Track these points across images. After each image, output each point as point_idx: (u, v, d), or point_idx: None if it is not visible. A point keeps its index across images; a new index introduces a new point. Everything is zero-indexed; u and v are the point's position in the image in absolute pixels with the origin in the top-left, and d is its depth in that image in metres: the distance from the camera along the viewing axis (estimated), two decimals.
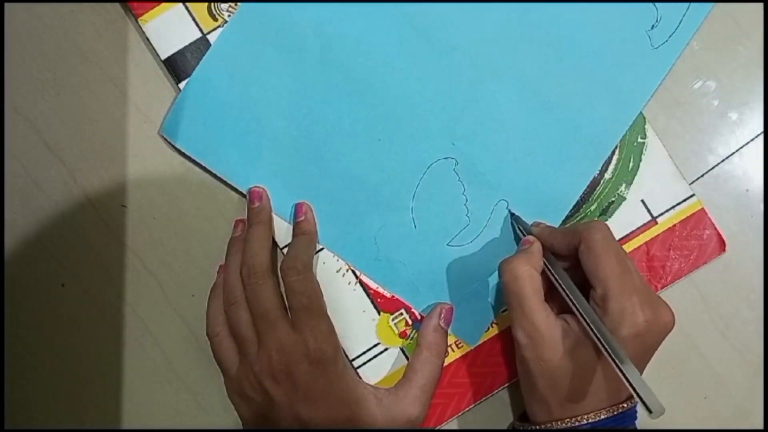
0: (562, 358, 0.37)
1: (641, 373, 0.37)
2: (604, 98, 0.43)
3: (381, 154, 0.43)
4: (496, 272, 0.43)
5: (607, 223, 0.43)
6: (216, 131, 0.43)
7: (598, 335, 0.35)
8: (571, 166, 0.43)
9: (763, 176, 0.44)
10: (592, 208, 0.44)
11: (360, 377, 0.43)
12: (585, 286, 0.38)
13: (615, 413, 0.37)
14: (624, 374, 0.33)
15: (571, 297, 0.37)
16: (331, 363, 0.40)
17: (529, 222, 0.43)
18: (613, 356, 0.34)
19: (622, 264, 0.37)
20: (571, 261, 0.39)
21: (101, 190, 0.44)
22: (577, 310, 0.36)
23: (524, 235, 0.42)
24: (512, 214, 0.43)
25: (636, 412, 0.38)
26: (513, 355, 0.43)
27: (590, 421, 0.37)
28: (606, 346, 0.34)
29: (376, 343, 0.43)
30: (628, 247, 0.43)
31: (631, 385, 0.33)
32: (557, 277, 0.38)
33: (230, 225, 0.44)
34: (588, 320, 0.36)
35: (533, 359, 0.37)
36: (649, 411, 0.32)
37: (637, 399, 0.32)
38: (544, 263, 0.39)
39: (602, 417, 0.37)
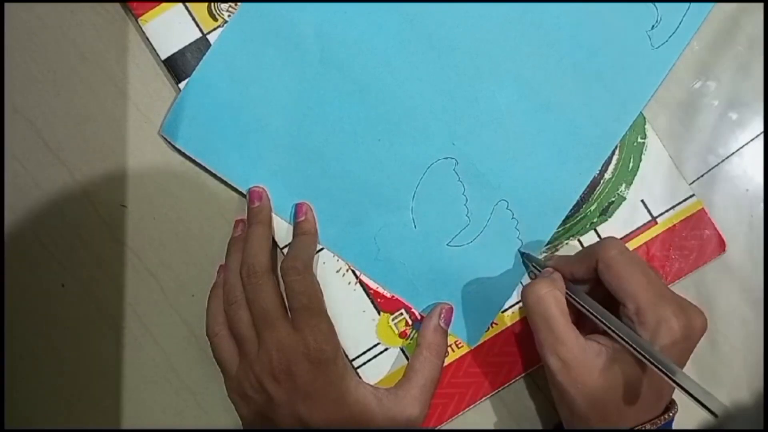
0: (599, 378, 0.36)
1: None
2: (604, 98, 0.43)
3: (381, 154, 0.43)
4: (496, 272, 0.43)
5: (609, 225, 0.43)
6: (216, 131, 0.43)
7: (642, 351, 0.34)
8: (571, 166, 0.43)
9: (763, 176, 0.44)
10: (592, 208, 0.44)
11: (360, 377, 0.43)
12: (608, 305, 0.37)
13: (658, 426, 0.36)
14: (679, 384, 0.32)
15: (602, 319, 0.36)
16: (332, 363, 0.40)
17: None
18: (663, 369, 0.33)
19: (647, 274, 0.37)
20: (590, 283, 0.39)
21: (101, 190, 0.44)
22: (612, 330, 0.36)
23: (539, 271, 0.41)
24: (523, 254, 0.43)
25: (673, 420, 0.38)
26: (513, 355, 0.43)
27: None
28: (653, 360, 0.33)
29: (376, 343, 0.43)
30: (628, 247, 0.43)
31: (689, 393, 0.32)
32: (583, 303, 0.37)
33: (230, 225, 0.44)
34: (627, 338, 0.35)
35: (569, 383, 0.36)
36: (715, 415, 0.31)
37: (698, 405, 0.31)
38: (567, 292, 0.39)
39: (647, 428, 0.36)
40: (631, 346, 0.35)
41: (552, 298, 0.37)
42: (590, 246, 0.40)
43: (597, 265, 0.38)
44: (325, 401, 0.39)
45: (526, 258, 0.43)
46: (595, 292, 0.38)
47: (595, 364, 0.36)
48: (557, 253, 0.44)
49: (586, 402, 0.36)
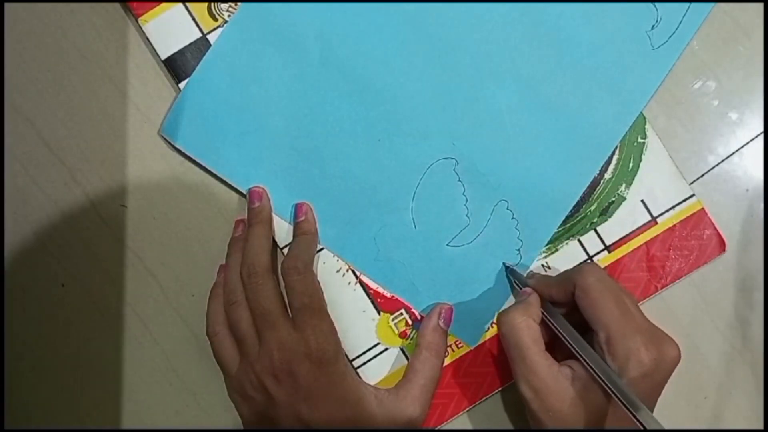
0: (571, 406, 0.36)
1: (652, 409, 0.37)
2: (605, 98, 0.43)
3: (381, 154, 0.43)
4: (496, 272, 0.43)
5: (609, 225, 0.43)
6: (216, 131, 0.43)
7: (608, 383, 0.34)
8: (571, 167, 0.43)
9: (763, 176, 0.44)
10: (592, 208, 0.44)
11: (360, 377, 0.43)
12: (586, 328, 0.37)
13: None
14: (639, 421, 0.32)
15: (574, 346, 0.36)
16: (333, 363, 0.40)
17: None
18: (626, 403, 0.33)
19: (621, 304, 0.37)
20: (569, 306, 0.39)
21: (101, 190, 0.44)
22: (583, 358, 0.36)
23: (521, 288, 0.41)
24: (507, 267, 0.43)
25: None
26: None
27: None
28: (617, 394, 0.33)
29: (376, 343, 0.43)
30: (628, 247, 0.43)
31: (646, 430, 0.32)
32: (558, 327, 0.38)
33: (230, 225, 0.44)
34: (595, 368, 0.35)
35: (542, 410, 0.36)
36: None
37: None
38: (543, 313, 0.39)
39: None
40: (598, 375, 0.35)
41: (525, 326, 0.38)
42: (570, 270, 0.40)
43: (574, 290, 0.38)
44: (326, 401, 0.39)
45: (509, 272, 0.43)
46: (573, 315, 0.38)
47: (567, 391, 0.36)
48: (556, 253, 0.44)
49: (559, 428, 0.36)
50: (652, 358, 0.36)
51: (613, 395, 0.34)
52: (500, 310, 0.39)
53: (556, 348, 0.38)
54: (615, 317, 0.36)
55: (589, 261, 0.39)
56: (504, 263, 0.43)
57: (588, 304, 0.37)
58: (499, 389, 0.44)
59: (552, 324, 0.38)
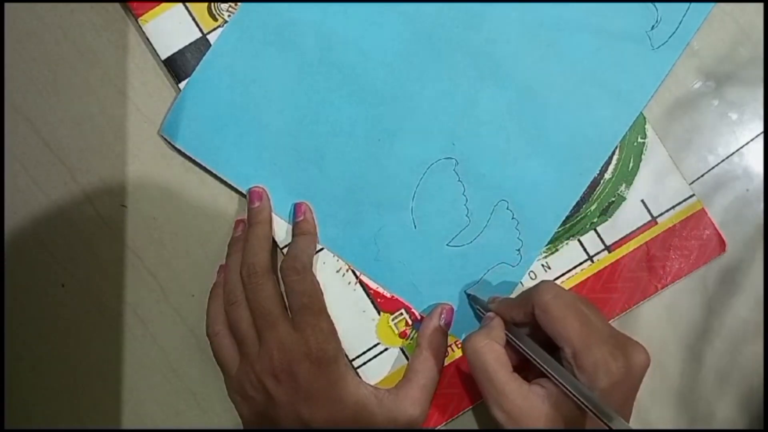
0: (546, 423, 0.36)
1: (628, 415, 0.37)
2: (604, 99, 0.43)
3: (381, 154, 0.43)
4: (496, 272, 0.43)
5: (609, 225, 0.43)
6: (216, 131, 0.43)
7: (579, 397, 0.34)
8: (571, 167, 0.43)
9: (763, 176, 0.44)
10: (592, 208, 0.44)
11: (360, 377, 0.43)
12: (551, 346, 0.37)
13: None
14: (613, 430, 0.33)
15: (542, 363, 0.36)
16: (333, 363, 0.40)
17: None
18: (599, 415, 0.33)
19: (582, 317, 0.36)
20: (534, 326, 0.39)
21: (101, 190, 0.44)
22: (552, 375, 0.36)
23: (484, 314, 0.41)
24: (468, 295, 0.43)
25: None
26: None
27: None
28: (589, 406, 0.34)
29: (376, 343, 0.43)
30: (628, 247, 0.43)
31: None
32: (524, 347, 0.38)
33: (230, 225, 0.44)
34: (565, 384, 0.35)
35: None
36: None
37: None
38: (509, 335, 0.39)
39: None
40: (570, 391, 0.35)
41: (488, 350, 0.37)
42: (527, 290, 0.40)
43: (533, 310, 0.38)
44: (326, 401, 0.39)
45: (471, 300, 0.43)
46: (539, 333, 0.38)
47: (540, 410, 0.36)
48: (556, 253, 0.44)
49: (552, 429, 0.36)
50: (620, 367, 0.35)
51: (585, 408, 0.34)
52: (464, 336, 0.39)
53: (526, 368, 0.38)
54: (577, 331, 0.36)
55: (544, 280, 0.39)
56: (465, 292, 0.43)
57: (548, 322, 0.37)
58: None
59: (518, 345, 0.38)
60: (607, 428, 0.33)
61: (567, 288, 0.43)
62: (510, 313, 0.40)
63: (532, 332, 0.39)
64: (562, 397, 0.36)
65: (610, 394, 0.35)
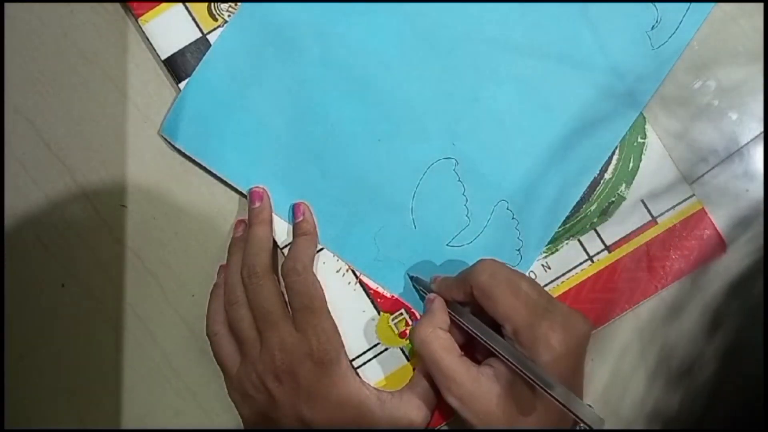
0: (498, 405, 0.36)
1: (580, 387, 0.37)
2: (604, 99, 0.43)
3: (381, 154, 0.43)
4: None
5: (609, 225, 0.43)
6: (216, 131, 0.43)
7: (521, 368, 0.34)
8: (571, 166, 0.43)
9: (763, 176, 0.44)
10: (592, 208, 0.44)
11: (360, 377, 0.43)
12: (497, 323, 0.37)
13: None
14: (556, 398, 0.33)
15: (485, 339, 0.36)
16: (335, 363, 0.40)
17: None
18: (541, 385, 0.33)
19: (519, 294, 0.36)
20: (476, 303, 0.39)
21: (101, 190, 0.44)
22: (494, 349, 0.36)
23: (425, 293, 0.41)
24: (411, 277, 0.43)
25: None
26: None
27: None
28: (532, 377, 0.34)
29: (376, 343, 0.43)
30: (629, 247, 0.43)
31: (565, 406, 0.33)
32: (467, 325, 0.38)
33: (230, 225, 0.44)
34: (506, 356, 0.35)
35: (471, 416, 0.36)
36: (590, 428, 0.32)
37: (576, 418, 0.32)
38: (452, 315, 0.39)
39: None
40: (512, 363, 0.35)
41: (433, 338, 0.37)
42: (465, 269, 0.39)
43: (472, 291, 0.38)
44: (327, 402, 0.39)
45: (414, 281, 0.43)
46: (484, 311, 0.38)
47: (492, 392, 0.36)
48: (556, 254, 0.44)
49: (493, 428, 0.36)
50: (560, 340, 0.35)
51: (527, 378, 0.34)
52: (411, 327, 0.39)
53: (474, 349, 0.38)
54: (515, 309, 0.36)
55: (482, 258, 0.39)
56: (407, 273, 0.43)
57: (486, 302, 0.37)
58: None
59: (462, 323, 0.38)
60: (549, 395, 0.33)
61: (566, 288, 0.43)
62: (451, 293, 0.40)
63: (476, 310, 0.38)
64: (511, 375, 0.36)
65: (554, 368, 0.35)
